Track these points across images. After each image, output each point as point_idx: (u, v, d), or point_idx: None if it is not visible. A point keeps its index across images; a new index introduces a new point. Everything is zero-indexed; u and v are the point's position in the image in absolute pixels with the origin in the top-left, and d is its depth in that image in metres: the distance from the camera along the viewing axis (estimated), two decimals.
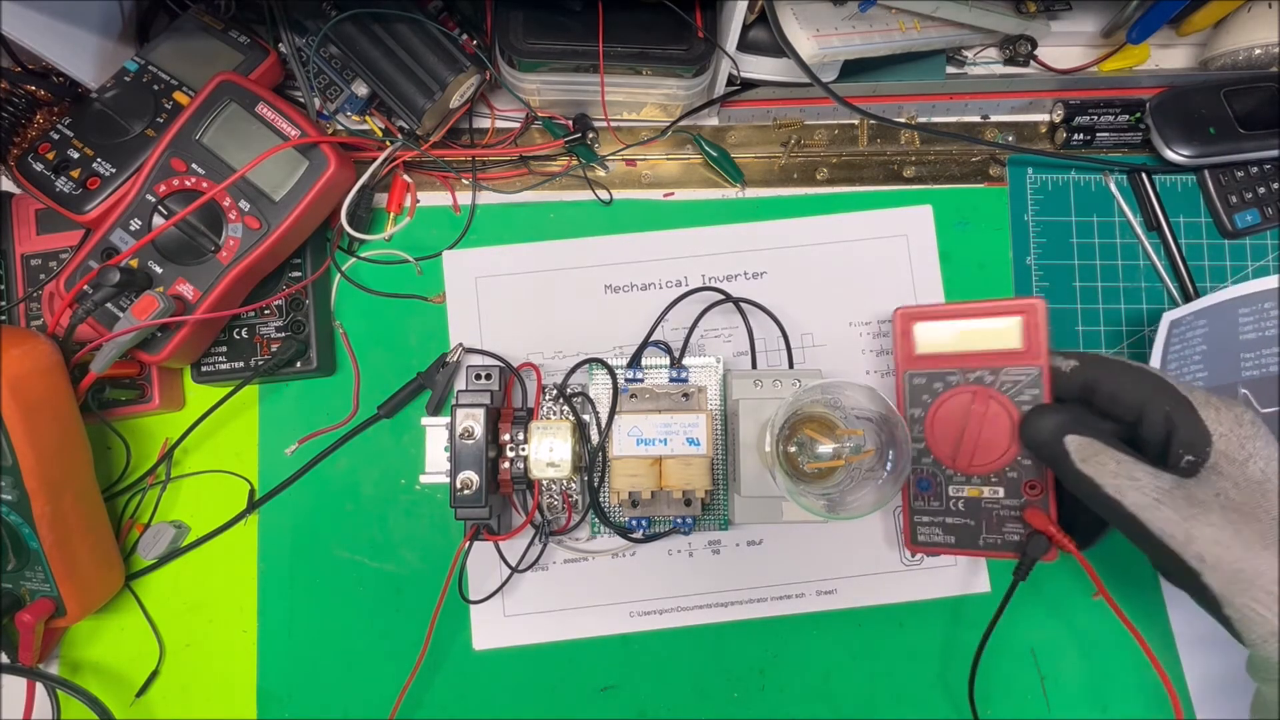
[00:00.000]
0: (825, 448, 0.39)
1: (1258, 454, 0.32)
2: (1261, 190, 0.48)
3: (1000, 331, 0.40)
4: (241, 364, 0.44)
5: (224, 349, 0.44)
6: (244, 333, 0.45)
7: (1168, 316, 0.44)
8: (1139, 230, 0.48)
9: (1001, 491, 0.40)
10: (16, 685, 0.41)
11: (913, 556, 0.45)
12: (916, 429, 0.41)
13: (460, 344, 0.45)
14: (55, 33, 0.41)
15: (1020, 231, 0.48)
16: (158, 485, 0.45)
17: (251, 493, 0.45)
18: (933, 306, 0.42)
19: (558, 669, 0.44)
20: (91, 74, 0.44)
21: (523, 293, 0.47)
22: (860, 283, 0.47)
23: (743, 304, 0.45)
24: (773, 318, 0.46)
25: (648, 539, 0.43)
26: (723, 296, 0.45)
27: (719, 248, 0.47)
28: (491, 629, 0.44)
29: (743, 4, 0.38)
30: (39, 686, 0.40)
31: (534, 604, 0.45)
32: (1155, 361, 0.44)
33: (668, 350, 0.45)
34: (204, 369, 0.44)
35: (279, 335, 0.45)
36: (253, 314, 0.45)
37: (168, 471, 0.45)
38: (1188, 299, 0.48)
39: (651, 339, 0.45)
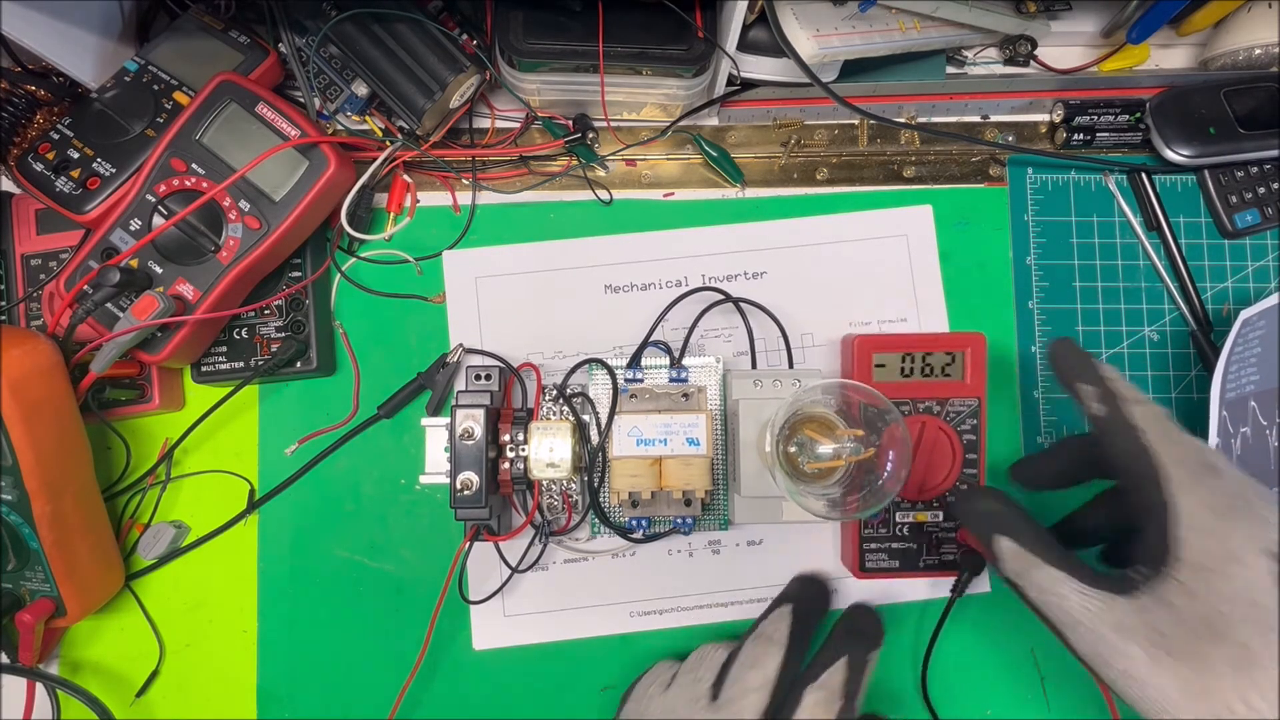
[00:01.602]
0: (825, 448, 0.39)
1: (1221, 593, 0.27)
2: (1261, 190, 0.48)
3: (947, 364, 0.43)
4: (241, 364, 0.44)
5: (224, 349, 0.44)
6: (244, 333, 0.45)
7: (1243, 314, 0.43)
8: (1139, 230, 0.48)
9: (941, 515, 0.43)
10: (16, 685, 0.41)
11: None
12: None
13: (460, 344, 0.45)
14: (55, 33, 0.41)
15: (1020, 231, 0.48)
16: (158, 485, 0.45)
17: (251, 493, 0.45)
18: (889, 336, 0.44)
19: (558, 669, 0.44)
20: (91, 74, 0.44)
21: (523, 293, 0.47)
22: (860, 283, 0.47)
23: (742, 304, 0.45)
24: (773, 318, 0.46)
25: (648, 539, 0.43)
26: (723, 296, 0.45)
27: (719, 248, 0.47)
28: (491, 629, 0.44)
29: (743, 4, 0.38)
30: (39, 686, 0.40)
31: (534, 604, 0.45)
32: (1221, 361, 0.43)
33: (667, 350, 0.45)
34: (204, 369, 0.44)
35: (279, 335, 0.45)
36: (253, 314, 0.45)
37: (168, 471, 0.45)
38: (1188, 299, 0.48)
39: (651, 339, 0.45)
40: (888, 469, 0.37)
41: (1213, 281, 0.48)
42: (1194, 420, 0.47)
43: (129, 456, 0.45)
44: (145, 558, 0.43)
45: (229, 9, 0.45)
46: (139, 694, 0.44)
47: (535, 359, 0.46)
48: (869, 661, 0.36)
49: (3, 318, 0.45)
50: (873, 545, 0.43)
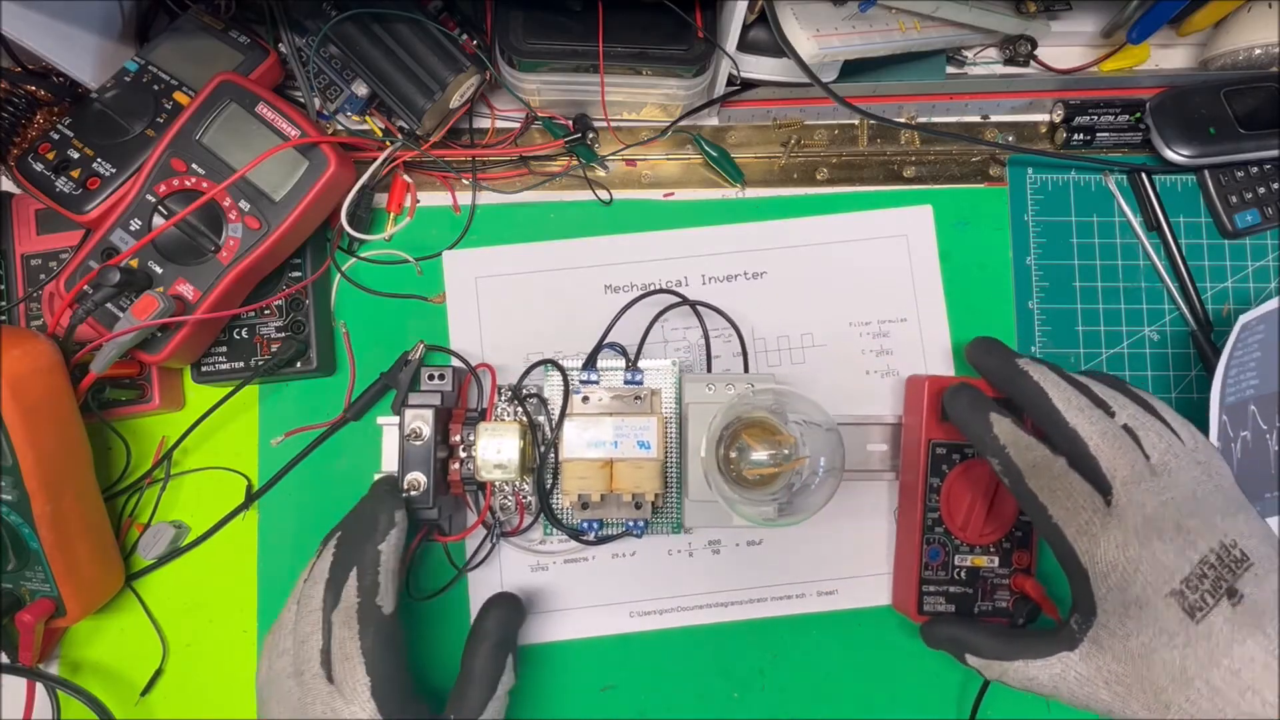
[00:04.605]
0: (759, 454, 0.39)
1: (1137, 632, 0.32)
2: (1261, 190, 0.48)
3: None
4: (241, 364, 0.44)
5: (224, 349, 0.44)
6: (244, 333, 0.45)
7: (1242, 319, 0.43)
8: (1139, 230, 0.48)
9: (997, 561, 0.42)
10: (16, 685, 0.41)
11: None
12: (933, 498, 0.42)
13: (421, 341, 0.44)
14: (55, 33, 0.41)
15: (1020, 231, 0.48)
16: (157, 485, 0.45)
17: (249, 487, 0.45)
18: (959, 379, 0.43)
19: (558, 669, 0.44)
20: (91, 74, 0.44)
21: (523, 293, 0.47)
22: (860, 283, 0.47)
23: (700, 306, 0.45)
24: (729, 320, 0.45)
25: (599, 541, 0.43)
26: (679, 299, 0.45)
27: (719, 248, 0.47)
28: None
29: (743, 4, 0.38)
30: (39, 686, 0.40)
31: (534, 604, 0.45)
32: (1220, 366, 0.43)
33: (623, 352, 0.44)
34: (204, 369, 0.44)
35: (279, 335, 0.45)
36: (253, 314, 0.45)
37: (167, 471, 0.45)
38: (1188, 299, 0.48)
39: (619, 342, 0.44)
40: (818, 476, 0.38)
41: (1213, 281, 0.48)
42: (1195, 421, 0.46)
43: (129, 456, 0.45)
44: (145, 557, 0.43)
45: (229, 9, 0.45)
46: (143, 693, 0.43)
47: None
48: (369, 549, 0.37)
49: (3, 318, 0.45)
50: (931, 588, 0.42)
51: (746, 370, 0.45)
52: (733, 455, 0.39)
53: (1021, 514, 0.42)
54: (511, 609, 0.39)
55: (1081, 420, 0.35)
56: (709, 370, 0.45)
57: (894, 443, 0.45)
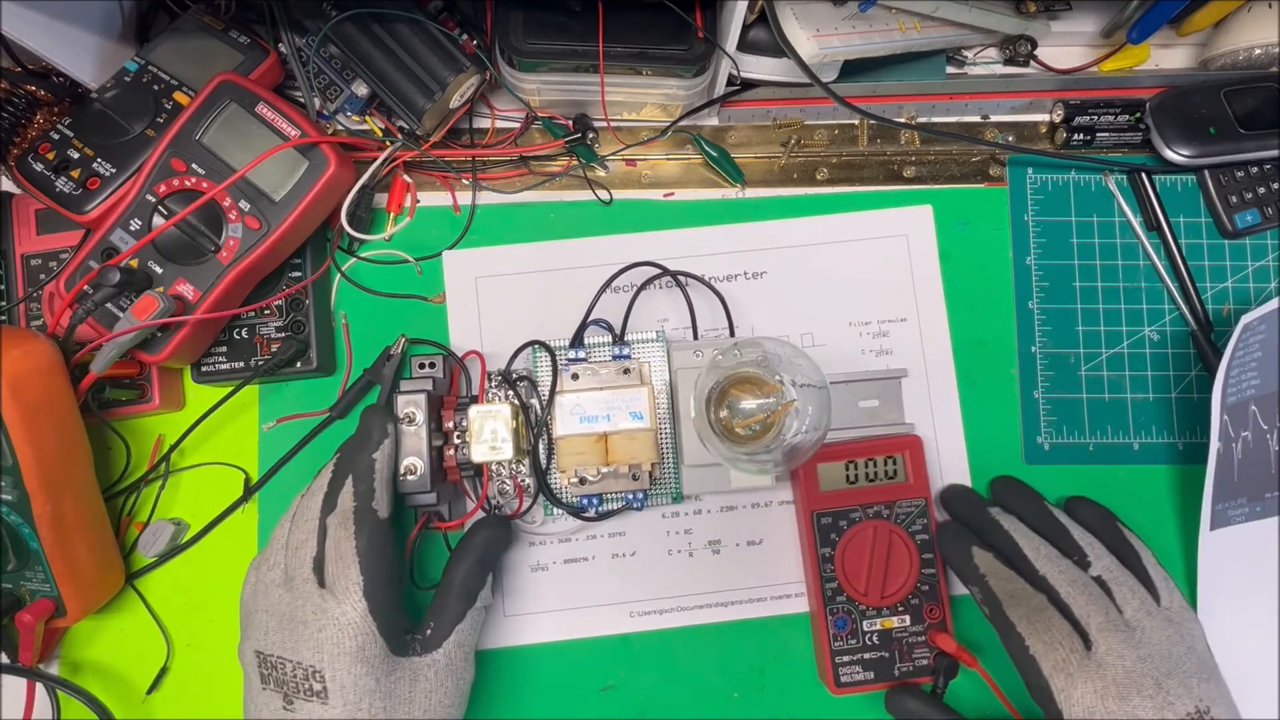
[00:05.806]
0: (748, 403, 0.39)
1: None
2: (1261, 190, 0.48)
3: (890, 468, 0.43)
4: (241, 364, 0.44)
5: (224, 349, 0.44)
6: (244, 333, 0.45)
7: (1244, 319, 0.42)
8: (1139, 230, 0.48)
9: (908, 619, 0.42)
10: (16, 685, 0.41)
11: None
12: (828, 568, 0.42)
13: (403, 335, 0.44)
14: (55, 33, 0.41)
15: (1020, 231, 0.48)
16: (157, 481, 0.45)
17: (246, 480, 0.45)
18: (830, 446, 0.43)
19: (558, 669, 0.44)
20: (91, 74, 0.44)
21: (523, 293, 0.47)
22: (861, 283, 0.47)
23: (683, 278, 0.46)
24: (713, 289, 0.46)
25: (600, 517, 0.43)
26: (659, 270, 0.45)
27: (719, 248, 0.47)
28: (491, 629, 0.44)
29: (743, 4, 0.38)
30: (39, 686, 0.40)
31: (534, 604, 0.45)
32: (1222, 366, 0.42)
33: (609, 329, 0.45)
34: (204, 369, 0.44)
35: (279, 335, 0.45)
36: (253, 314, 0.45)
37: (166, 470, 0.45)
38: (1188, 299, 0.48)
39: (604, 318, 0.45)
40: (808, 424, 0.38)
41: (1213, 281, 0.48)
42: (1195, 421, 0.47)
43: (129, 456, 0.45)
44: (145, 555, 0.43)
45: (229, 9, 0.45)
46: (149, 691, 0.43)
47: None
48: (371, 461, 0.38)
49: (3, 318, 0.45)
50: (845, 658, 0.41)
51: (732, 334, 0.46)
52: (723, 414, 0.40)
53: (924, 567, 0.42)
54: (499, 530, 0.40)
55: (1051, 569, 0.36)
56: (695, 338, 0.45)
57: (886, 397, 0.45)
